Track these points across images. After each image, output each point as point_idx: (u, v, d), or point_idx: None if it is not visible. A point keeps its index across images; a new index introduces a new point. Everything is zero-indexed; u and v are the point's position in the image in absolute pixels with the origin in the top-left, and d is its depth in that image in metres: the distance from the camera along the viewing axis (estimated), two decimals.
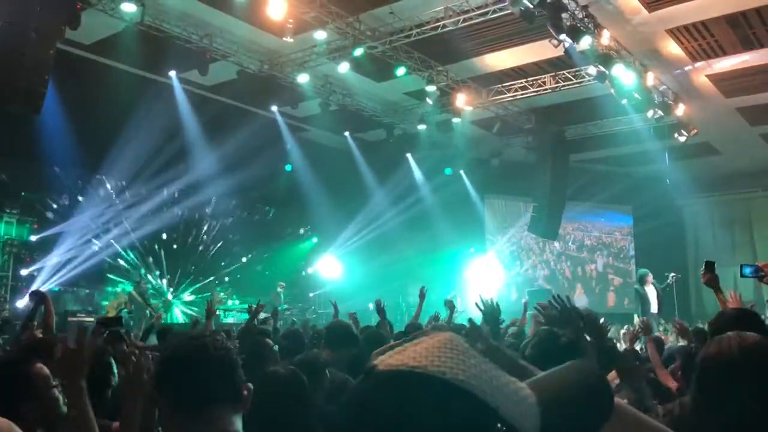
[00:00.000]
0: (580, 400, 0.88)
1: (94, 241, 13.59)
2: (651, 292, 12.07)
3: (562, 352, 2.75)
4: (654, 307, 11.93)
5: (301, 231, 17.34)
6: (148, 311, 12.39)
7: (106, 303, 13.72)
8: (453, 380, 0.79)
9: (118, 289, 14.08)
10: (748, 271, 3.75)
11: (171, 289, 15.13)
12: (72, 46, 11.19)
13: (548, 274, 19.54)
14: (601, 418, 0.92)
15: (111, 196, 13.80)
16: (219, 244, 15.87)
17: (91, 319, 12.08)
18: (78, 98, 11.26)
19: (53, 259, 12.87)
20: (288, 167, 15.98)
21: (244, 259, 16.14)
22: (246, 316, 8.91)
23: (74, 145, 11.74)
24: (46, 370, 2.30)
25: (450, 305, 7.46)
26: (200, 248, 15.58)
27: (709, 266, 3.87)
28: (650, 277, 12.20)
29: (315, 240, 17.47)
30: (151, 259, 14.86)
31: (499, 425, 0.79)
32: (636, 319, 11.46)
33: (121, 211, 14.09)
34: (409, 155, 17.16)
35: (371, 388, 0.82)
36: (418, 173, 17.42)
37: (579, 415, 0.87)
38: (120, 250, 14.09)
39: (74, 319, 11.85)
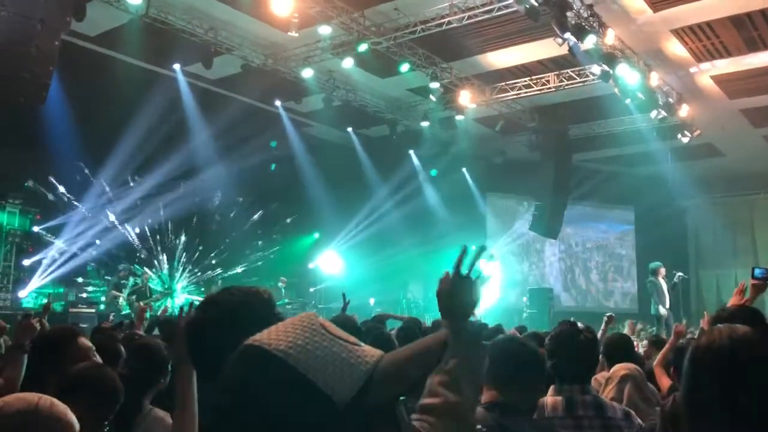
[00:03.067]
0: (412, 356, 1.12)
1: (95, 232, 13.58)
2: (662, 286, 12.02)
3: (582, 347, 2.89)
4: (666, 302, 11.89)
5: (303, 226, 17.30)
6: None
7: (105, 291, 13.67)
8: (273, 350, 1.00)
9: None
10: (759, 272, 3.72)
11: (170, 282, 15.11)
12: (77, 38, 11.18)
13: (563, 268, 19.65)
14: (427, 368, 1.20)
15: (114, 187, 13.78)
16: (221, 239, 15.85)
17: (92, 311, 12.11)
18: (82, 90, 11.28)
19: (55, 249, 12.89)
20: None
21: (244, 254, 16.11)
22: None
23: (78, 136, 11.75)
24: None
25: None
26: (201, 242, 15.56)
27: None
28: (663, 271, 12.12)
29: (317, 235, 17.46)
30: (151, 251, 14.84)
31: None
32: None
33: (122, 202, 14.08)
34: (411, 152, 17.17)
35: (231, 358, 1.05)
36: (420, 170, 17.43)
37: (406, 367, 1.10)
38: (120, 240, 14.06)
39: (75, 310, 11.89)
